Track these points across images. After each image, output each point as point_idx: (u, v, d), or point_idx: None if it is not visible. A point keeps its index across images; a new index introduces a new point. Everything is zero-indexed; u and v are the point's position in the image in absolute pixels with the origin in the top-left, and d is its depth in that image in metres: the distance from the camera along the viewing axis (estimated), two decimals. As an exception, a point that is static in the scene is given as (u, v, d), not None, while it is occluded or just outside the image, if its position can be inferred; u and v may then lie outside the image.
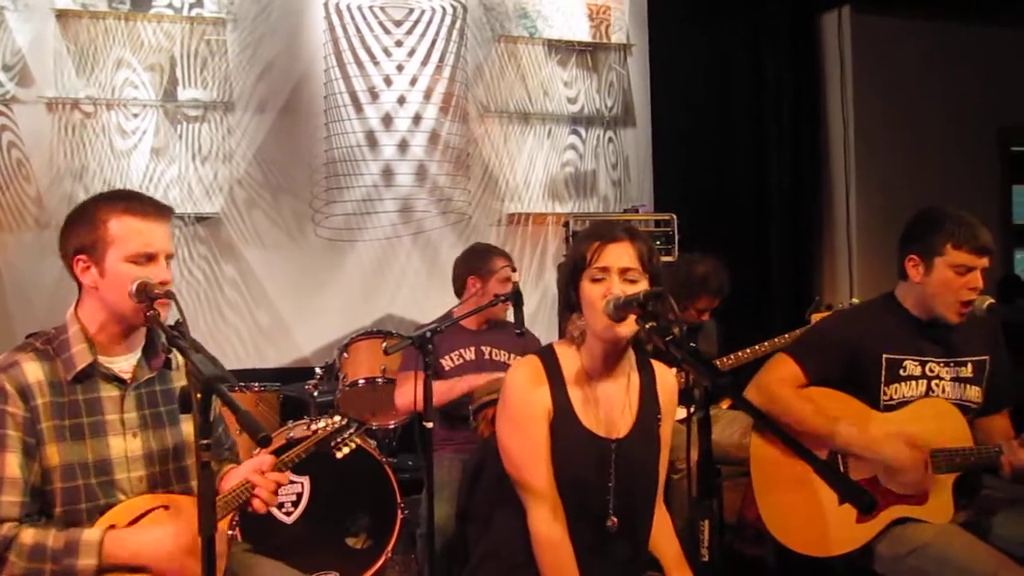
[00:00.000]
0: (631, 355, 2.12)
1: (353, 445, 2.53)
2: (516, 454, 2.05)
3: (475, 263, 3.65)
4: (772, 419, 1.67)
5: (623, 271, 1.98)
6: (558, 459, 2.03)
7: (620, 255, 1.99)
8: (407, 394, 3.48)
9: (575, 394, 2.06)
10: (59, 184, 4.89)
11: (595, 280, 2.00)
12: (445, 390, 3.36)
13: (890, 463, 2.40)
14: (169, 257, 1.96)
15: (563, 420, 2.04)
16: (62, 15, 4.92)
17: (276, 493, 2.05)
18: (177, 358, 2.08)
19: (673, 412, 2.19)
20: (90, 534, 1.85)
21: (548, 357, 2.10)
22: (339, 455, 2.51)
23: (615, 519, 2.04)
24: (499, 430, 2.10)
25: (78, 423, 1.92)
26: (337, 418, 2.51)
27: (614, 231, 2.03)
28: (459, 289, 3.70)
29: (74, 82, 4.96)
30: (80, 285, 1.97)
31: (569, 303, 2.07)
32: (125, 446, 1.97)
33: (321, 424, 2.50)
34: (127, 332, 1.99)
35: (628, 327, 1.94)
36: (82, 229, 1.93)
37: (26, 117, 4.88)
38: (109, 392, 1.97)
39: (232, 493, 2.01)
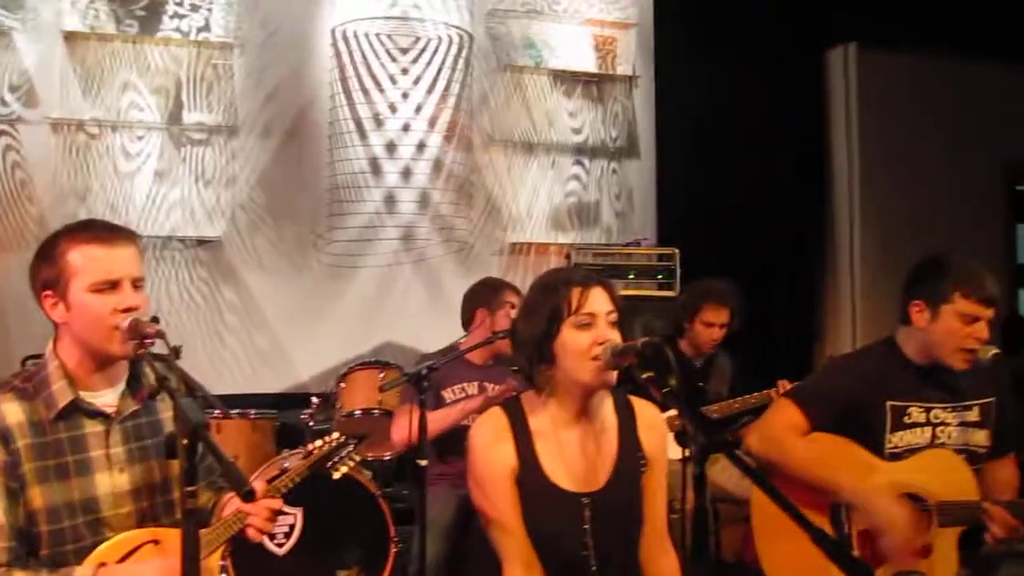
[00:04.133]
0: (608, 400, 2.05)
1: (351, 463, 2.38)
2: (484, 512, 1.99)
3: (485, 295, 3.63)
4: (765, 478, 1.63)
5: (608, 314, 1.93)
6: (528, 516, 1.96)
7: (602, 300, 1.94)
8: (402, 428, 3.47)
9: (543, 448, 1.98)
10: (62, 205, 4.88)
11: (583, 326, 1.92)
12: (440, 417, 3.35)
13: (886, 522, 2.34)
14: (137, 281, 1.89)
15: (529, 476, 1.97)
16: (70, 37, 4.94)
17: (272, 520, 1.99)
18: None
19: (660, 454, 2.08)
20: (82, 572, 1.81)
21: (513, 410, 2.02)
22: (336, 475, 2.37)
23: None
24: (469, 487, 2.04)
25: (63, 462, 1.87)
26: (335, 435, 2.37)
27: (588, 276, 1.98)
28: (467, 321, 3.67)
29: (80, 103, 4.96)
30: (54, 322, 1.93)
31: (542, 355, 1.95)
32: (112, 482, 1.92)
33: (317, 444, 2.37)
34: (105, 365, 1.93)
35: (615, 373, 1.91)
36: (44, 265, 1.91)
37: (31, 137, 4.88)
38: (93, 428, 1.92)
39: (224, 523, 1.96)
